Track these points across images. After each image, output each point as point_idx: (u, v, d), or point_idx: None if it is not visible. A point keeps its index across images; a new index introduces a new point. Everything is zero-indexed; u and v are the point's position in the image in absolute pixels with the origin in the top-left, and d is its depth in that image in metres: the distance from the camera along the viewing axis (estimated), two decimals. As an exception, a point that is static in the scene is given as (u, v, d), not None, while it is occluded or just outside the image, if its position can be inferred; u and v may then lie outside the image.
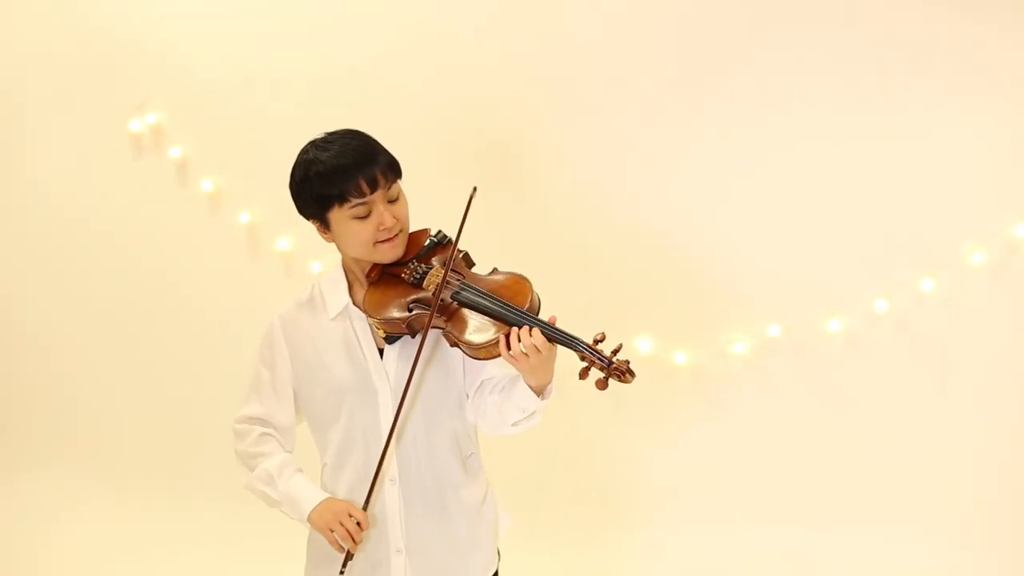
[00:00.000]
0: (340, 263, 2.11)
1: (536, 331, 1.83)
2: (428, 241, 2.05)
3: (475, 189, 2.01)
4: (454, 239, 2.00)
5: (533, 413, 1.97)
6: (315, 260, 3.69)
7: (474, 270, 2.03)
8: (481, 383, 2.05)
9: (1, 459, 3.95)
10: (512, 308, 1.89)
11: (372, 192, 1.95)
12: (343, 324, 2.05)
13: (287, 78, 3.67)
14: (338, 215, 1.97)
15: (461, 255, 2.03)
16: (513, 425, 2.00)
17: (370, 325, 2.02)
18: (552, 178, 3.61)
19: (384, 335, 2.00)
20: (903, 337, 3.46)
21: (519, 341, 1.83)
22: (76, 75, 3.78)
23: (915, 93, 3.39)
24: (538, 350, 1.83)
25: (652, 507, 3.63)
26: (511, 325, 1.88)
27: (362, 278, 2.06)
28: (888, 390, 3.48)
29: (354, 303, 2.06)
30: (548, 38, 3.54)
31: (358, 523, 1.95)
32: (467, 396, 2.08)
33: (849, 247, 3.46)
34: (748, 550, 3.52)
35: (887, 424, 3.49)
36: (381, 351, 2.03)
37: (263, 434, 2.10)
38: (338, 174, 1.94)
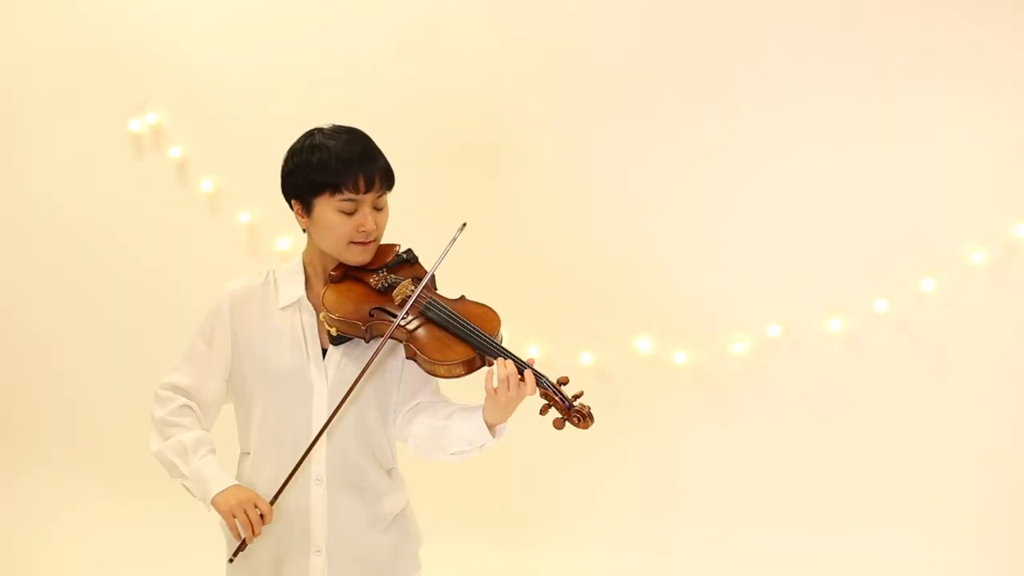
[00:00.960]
0: (301, 255, 2.11)
1: (511, 364, 1.84)
2: (395, 256, 2.06)
3: (464, 225, 2.04)
4: (434, 262, 2.02)
5: (480, 447, 1.96)
6: (315, 260, 3.69)
7: (441, 292, 2.04)
8: (416, 404, 2.04)
9: (1, 459, 3.95)
10: (481, 332, 1.91)
11: (366, 191, 1.96)
12: (292, 316, 2.04)
13: (287, 78, 3.67)
14: (325, 204, 1.97)
15: (427, 275, 2.03)
16: (452, 454, 1.99)
17: (322, 322, 2.01)
18: (552, 178, 3.61)
19: (335, 334, 2.00)
20: (903, 337, 3.46)
21: (506, 372, 1.84)
22: (76, 75, 3.78)
23: (915, 93, 3.40)
24: (526, 388, 1.83)
25: (652, 507, 3.63)
26: (478, 349, 1.89)
27: (322, 275, 2.06)
28: (888, 390, 3.48)
29: (308, 298, 2.06)
30: (546, 40, 3.55)
31: (261, 515, 1.95)
32: (394, 413, 2.07)
33: (849, 247, 3.46)
34: (748, 550, 3.52)
35: (887, 424, 3.49)
36: (324, 350, 2.03)
37: (184, 405, 2.09)
38: (340, 164, 1.95)
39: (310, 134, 2.04)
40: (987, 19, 3.32)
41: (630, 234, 3.58)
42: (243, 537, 1.96)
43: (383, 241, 2.07)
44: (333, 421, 1.97)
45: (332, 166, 1.95)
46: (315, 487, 2.02)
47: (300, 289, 2.06)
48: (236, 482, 2.01)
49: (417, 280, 2.00)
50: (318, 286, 2.05)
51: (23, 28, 3.80)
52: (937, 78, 3.37)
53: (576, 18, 3.55)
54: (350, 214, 1.97)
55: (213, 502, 1.98)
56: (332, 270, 2.03)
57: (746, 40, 3.47)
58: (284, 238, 3.72)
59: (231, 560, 2.01)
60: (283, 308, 2.05)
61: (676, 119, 3.52)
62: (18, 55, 3.81)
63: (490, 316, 1.98)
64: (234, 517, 1.95)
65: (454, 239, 2.01)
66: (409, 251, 2.08)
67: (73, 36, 3.76)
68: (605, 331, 3.59)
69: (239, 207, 3.75)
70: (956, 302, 3.41)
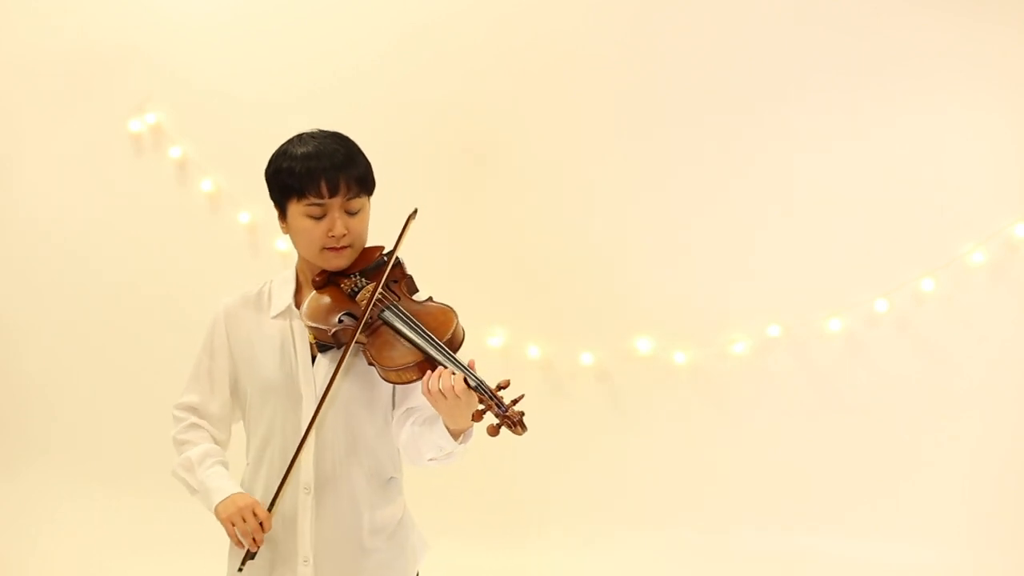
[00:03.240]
0: (295, 264, 2.11)
1: (457, 375, 1.78)
2: (377, 259, 2.03)
3: (415, 211, 2.01)
4: (390, 256, 1.99)
5: (450, 454, 1.93)
6: (315, 260, 3.69)
7: (416, 297, 2.01)
8: (407, 410, 2.02)
9: (0, 458, 3.95)
10: (431, 338, 1.87)
11: (330, 196, 1.94)
12: (283, 324, 2.04)
13: (287, 78, 3.67)
14: (295, 208, 1.98)
15: (404, 279, 2.01)
16: (430, 460, 1.97)
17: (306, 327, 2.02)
18: (552, 178, 3.61)
19: (311, 341, 2.00)
20: (903, 337, 3.46)
21: (438, 379, 1.79)
22: (76, 75, 3.78)
23: (915, 93, 3.40)
24: (456, 394, 1.77)
25: (652, 507, 3.63)
26: (426, 356, 1.86)
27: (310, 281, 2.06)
28: (888, 390, 3.48)
29: (297, 305, 2.05)
30: (546, 40, 3.56)
31: (261, 523, 1.94)
32: (392, 419, 2.06)
33: (849, 247, 3.46)
34: (748, 550, 3.52)
35: (887, 424, 3.49)
36: (315, 357, 2.02)
37: (193, 424, 2.12)
38: (303, 169, 1.94)
39: (290, 140, 2.04)
40: (987, 19, 3.32)
41: (630, 234, 3.58)
42: (246, 546, 1.95)
43: (371, 244, 2.05)
44: (323, 428, 1.97)
45: (296, 170, 1.95)
46: (303, 495, 2.01)
47: (289, 297, 2.06)
48: (240, 490, 2.00)
49: (392, 288, 1.98)
50: (308, 293, 2.05)
51: (23, 28, 3.81)
52: (937, 78, 3.37)
53: (573, 18, 3.55)
54: (318, 219, 1.96)
55: (215, 511, 1.98)
56: (316, 276, 2.03)
57: (745, 41, 3.47)
58: (284, 238, 3.72)
59: (240, 569, 1.99)
60: (274, 317, 2.05)
61: (676, 119, 3.52)
62: (18, 55, 3.82)
63: (445, 317, 1.93)
64: (233, 525, 1.95)
65: (404, 227, 1.98)
66: (390, 253, 2.04)
67: (73, 36, 3.77)
68: (605, 331, 3.59)
69: (239, 207, 3.75)
70: (956, 302, 3.41)
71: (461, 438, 1.90)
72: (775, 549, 3.50)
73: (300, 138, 2.02)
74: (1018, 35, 3.33)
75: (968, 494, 3.46)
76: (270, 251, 3.73)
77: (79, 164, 3.82)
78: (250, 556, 1.97)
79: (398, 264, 2.02)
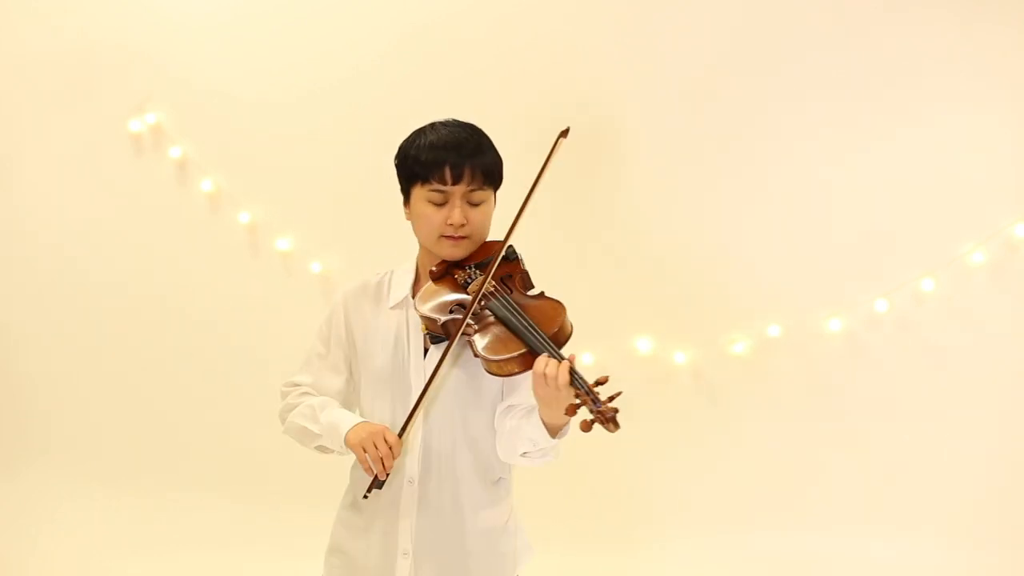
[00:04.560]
0: (416, 255, 2.10)
1: (563, 364, 1.77)
2: (499, 250, 2.01)
3: (567, 129, 2.04)
4: (501, 246, 1.99)
5: (544, 450, 1.93)
6: (315, 260, 3.69)
7: (530, 292, 2.00)
8: (509, 406, 2.01)
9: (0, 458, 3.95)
10: (535, 331, 1.85)
11: (454, 184, 1.95)
12: (399, 314, 2.04)
13: (287, 79, 3.67)
14: (418, 193, 1.98)
15: (519, 273, 2.00)
16: (523, 455, 1.96)
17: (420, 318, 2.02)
18: (551, 178, 3.61)
19: (423, 332, 2.00)
20: (903, 337, 3.46)
21: (545, 364, 1.78)
22: (76, 75, 3.77)
23: (915, 93, 3.40)
24: (558, 384, 1.76)
25: (651, 507, 3.63)
26: (529, 349, 1.84)
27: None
28: (888, 390, 3.48)
29: (414, 296, 2.05)
30: (543, 45, 3.55)
31: (391, 448, 1.91)
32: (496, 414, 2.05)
33: (849, 247, 3.46)
34: (748, 550, 3.52)
35: (887, 424, 3.49)
36: (427, 350, 2.01)
37: (305, 392, 2.10)
38: (431, 154, 1.95)
39: (423, 127, 2.05)
40: (986, 20, 3.33)
41: (630, 234, 3.58)
42: (375, 473, 1.92)
43: (492, 238, 2.04)
44: (429, 419, 1.97)
45: (424, 155, 1.96)
46: (407, 486, 2.00)
47: (407, 287, 2.07)
48: (362, 419, 1.99)
49: (508, 283, 1.97)
50: (426, 283, 2.04)
51: (23, 28, 3.80)
52: (937, 79, 3.37)
53: (573, 18, 3.55)
54: (440, 205, 1.96)
55: (346, 441, 1.95)
56: (434, 266, 2.02)
57: (744, 41, 3.47)
58: (284, 238, 3.72)
59: (366, 496, 1.98)
60: (392, 307, 2.06)
61: (676, 120, 3.53)
62: (18, 55, 3.81)
63: (551, 311, 1.91)
64: (364, 450, 1.91)
65: (553, 147, 2.01)
66: (511, 249, 2.04)
67: (73, 36, 3.76)
68: (605, 331, 3.58)
69: (239, 207, 3.75)
70: (956, 302, 3.41)
71: (557, 434, 1.89)
72: (775, 549, 3.50)
73: (433, 126, 2.03)
74: (1018, 36, 3.33)
75: (968, 494, 3.46)
76: (270, 251, 3.73)
77: (79, 164, 3.82)
78: (377, 484, 1.94)
79: (514, 258, 2.03)
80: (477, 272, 2.00)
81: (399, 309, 2.05)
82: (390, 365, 2.02)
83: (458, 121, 2.05)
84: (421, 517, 2.00)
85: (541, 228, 3.61)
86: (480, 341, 1.89)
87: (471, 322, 1.91)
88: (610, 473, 3.65)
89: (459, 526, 2.01)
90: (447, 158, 1.94)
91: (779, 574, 3.45)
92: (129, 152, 3.79)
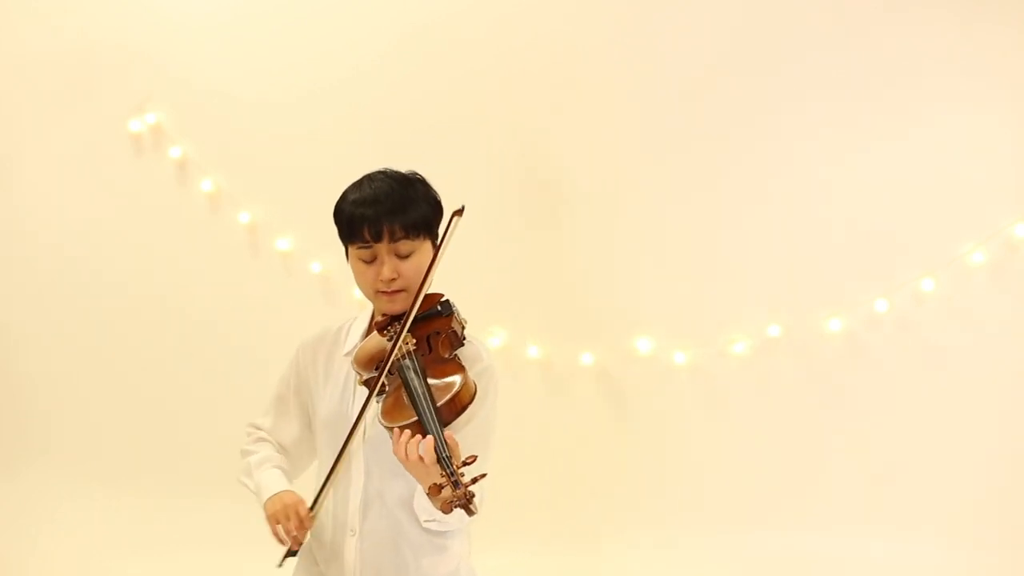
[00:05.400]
0: None
1: (427, 441, 1.72)
2: (431, 308, 1.98)
3: (461, 208, 1.93)
4: (415, 302, 1.92)
5: (446, 522, 1.91)
6: (315, 260, 3.69)
7: (447, 355, 1.94)
8: None
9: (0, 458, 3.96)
10: (427, 402, 1.81)
11: (375, 241, 1.94)
12: (350, 362, 2.04)
13: (288, 79, 3.67)
14: (351, 251, 2.00)
15: (446, 332, 1.95)
16: (426, 522, 1.95)
17: None
18: (551, 178, 3.61)
19: (359, 384, 1.99)
20: (903, 337, 3.46)
21: (405, 444, 1.75)
22: (76, 75, 3.78)
23: (915, 93, 3.40)
24: (420, 460, 1.72)
25: (651, 507, 3.63)
26: (419, 418, 1.79)
27: None
28: (888, 390, 3.48)
29: None
30: (543, 45, 3.56)
31: (302, 521, 1.94)
32: None
33: (849, 247, 3.46)
34: (748, 550, 3.52)
35: (887, 424, 3.49)
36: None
37: (261, 438, 2.14)
38: (353, 214, 1.95)
39: (357, 180, 2.04)
40: (986, 20, 3.32)
41: (630, 234, 3.58)
42: (288, 543, 1.96)
43: (434, 289, 2.00)
44: (371, 470, 1.97)
45: (345, 215, 1.97)
46: (349, 538, 2.00)
47: (359, 336, 2.08)
48: (289, 488, 2.01)
49: (431, 340, 1.94)
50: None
51: (23, 28, 3.81)
52: (937, 79, 3.37)
53: (573, 18, 3.55)
54: (369, 262, 1.96)
55: (264, 508, 1.99)
56: (380, 316, 2.03)
57: (744, 41, 3.47)
58: (284, 238, 3.72)
59: (280, 565, 2.01)
60: (345, 354, 2.07)
61: (675, 121, 3.52)
62: (18, 55, 3.82)
63: (450, 383, 1.85)
64: (277, 522, 1.95)
65: (447, 228, 1.92)
66: (446, 302, 2.00)
67: (73, 36, 3.77)
68: (605, 331, 3.58)
69: (239, 207, 3.75)
70: (956, 302, 3.41)
71: (441, 514, 1.81)
72: (775, 549, 3.50)
73: (361, 182, 2.02)
74: (1018, 36, 3.33)
75: (968, 493, 3.45)
76: (270, 251, 3.73)
77: (79, 164, 3.82)
78: (291, 553, 1.97)
79: (448, 313, 1.97)
80: (398, 329, 1.96)
81: (352, 355, 2.04)
82: (335, 413, 2.03)
83: (389, 174, 2.03)
84: (366, 568, 1.99)
85: (540, 227, 3.62)
86: (383, 403, 1.88)
87: (385, 382, 1.90)
88: (610, 473, 3.65)
89: (403, 574, 2.00)
90: (365, 218, 1.93)
91: (779, 574, 3.45)
92: (129, 152, 3.79)
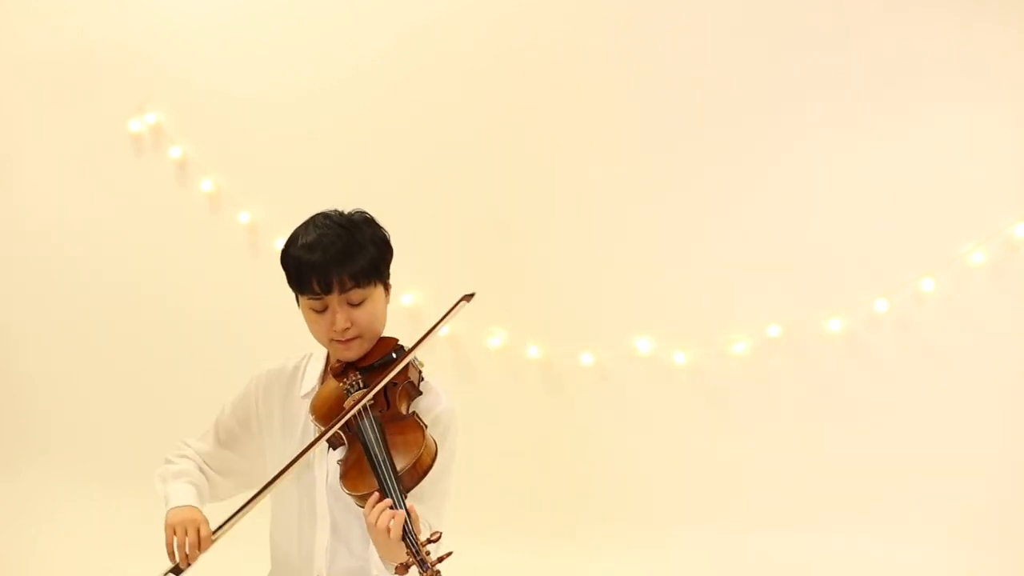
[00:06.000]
0: None
1: (397, 518, 1.70)
2: (386, 354, 1.97)
3: (471, 295, 1.95)
4: (392, 370, 1.90)
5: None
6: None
7: (405, 411, 1.93)
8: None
9: None
10: (388, 468, 1.79)
11: (325, 294, 1.91)
12: (308, 405, 2.01)
13: (287, 79, 3.67)
14: (302, 301, 1.98)
15: (403, 383, 1.94)
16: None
17: None
18: (551, 177, 3.61)
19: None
20: (903, 337, 3.46)
21: (378, 515, 1.73)
22: (76, 75, 3.78)
23: (915, 93, 3.40)
24: (389, 535, 1.70)
25: (651, 507, 3.63)
26: (380, 486, 1.78)
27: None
28: (888, 390, 3.48)
29: None
30: (544, 45, 3.56)
31: (200, 540, 1.88)
32: None
33: (849, 247, 3.46)
34: (747, 550, 3.52)
35: (887, 424, 3.49)
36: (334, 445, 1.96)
37: (187, 456, 2.10)
38: (297, 266, 1.93)
39: (305, 223, 2.00)
40: (986, 20, 3.32)
41: (630, 234, 3.58)
42: (177, 558, 1.89)
43: (387, 333, 2.00)
44: (335, 517, 1.95)
45: (293, 268, 1.94)
46: None
47: (315, 380, 2.04)
48: (197, 506, 1.97)
49: (387, 391, 1.91)
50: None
51: (23, 28, 3.80)
52: (937, 78, 3.37)
53: (573, 18, 3.55)
54: (322, 312, 1.94)
55: (166, 516, 1.94)
56: (334, 362, 2.01)
57: (744, 41, 3.47)
58: (284, 238, 3.70)
59: None
60: (303, 396, 2.04)
61: (675, 122, 3.52)
62: (18, 55, 3.81)
63: (410, 445, 1.84)
64: (174, 533, 1.90)
65: (452, 307, 1.93)
66: (399, 348, 1.98)
67: (73, 36, 3.77)
68: (605, 331, 3.58)
69: (239, 207, 3.75)
70: (956, 302, 3.40)
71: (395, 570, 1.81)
72: (774, 548, 3.50)
73: (306, 226, 1.98)
74: (1018, 36, 3.33)
75: (968, 494, 3.45)
76: (270, 251, 3.73)
77: (79, 164, 3.82)
78: (174, 571, 1.89)
79: (406, 365, 1.94)
80: (360, 379, 1.94)
81: (308, 398, 2.02)
82: (294, 455, 1.95)
83: (333, 219, 1.96)
84: None
85: (541, 227, 3.62)
86: (344, 465, 1.86)
87: (341, 433, 1.88)
88: (610, 473, 3.65)
89: None
90: (313, 268, 1.90)
91: (779, 574, 3.45)
92: (129, 152, 3.79)
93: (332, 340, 1.96)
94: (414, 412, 1.93)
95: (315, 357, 2.09)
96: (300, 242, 1.95)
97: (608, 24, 3.54)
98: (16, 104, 3.84)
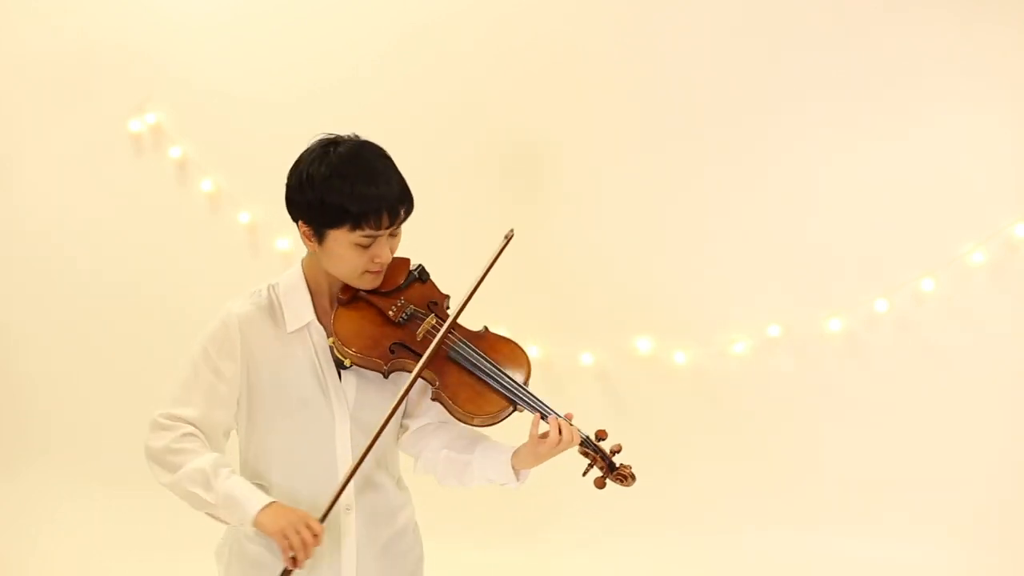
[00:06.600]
0: (300, 268, 1.95)
1: (574, 430, 1.81)
2: (408, 274, 1.92)
3: (511, 232, 1.98)
4: (469, 291, 1.89)
5: (506, 485, 1.92)
6: (315, 260, 3.69)
7: (465, 324, 1.93)
8: (426, 424, 1.97)
9: None
10: (513, 382, 1.84)
11: (389, 227, 1.83)
12: (303, 339, 1.91)
13: (288, 78, 3.67)
14: (340, 235, 1.82)
15: (443, 299, 1.94)
16: (471, 486, 1.95)
17: (331, 346, 1.89)
18: (551, 179, 3.61)
19: (348, 366, 1.88)
20: (903, 337, 3.46)
21: (559, 432, 1.82)
22: (76, 75, 3.77)
23: (915, 93, 3.40)
24: (565, 446, 1.80)
25: (650, 507, 3.63)
26: (513, 402, 1.83)
27: (327, 292, 1.92)
28: (888, 390, 3.48)
29: (318, 319, 1.92)
30: (544, 45, 3.56)
31: (315, 535, 1.79)
32: (401, 427, 2.00)
33: (849, 247, 3.46)
34: (747, 550, 3.52)
35: (887, 424, 3.49)
36: (340, 372, 1.91)
37: (188, 433, 1.88)
38: (365, 198, 1.79)
39: (325, 151, 1.84)
40: (986, 20, 3.32)
41: (630, 234, 3.58)
42: (293, 558, 1.79)
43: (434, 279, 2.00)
44: (357, 447, 1.87)
45: (356, 198, 1.79)
46: (344, 517, 1.91)
47: (308, 312, 1.91)
48: (273, 499, 1.83)
49: (437, 312, 1.89)
50: (323, 302, 1.92)
51: (23, 28, 3.80)
52: (937, 79, 3.37)
53: (573, 18, 3.55)
54: (367, 247, 1.82)
55: (256, 522, 1.80)
56: (341, 293, 1.90)
57: (744, 41, 3.47)
58: (284, 238, 3.72)
59: None
60: (291, 333, 1.91)
61: (675, 122, 3.53)
62: (18, 55, 3.81)
63: (519, 358, 1.88)
64: (286, 538, 1.78)
65: (499, 252, 1.96)
66: (421, 268, 1.95)
67: (73, 36, 3.76)
68: (605, 331, 3.58)
69: (239, 207, 3.75)
70: (956, 302, 3.41)
71: (521, 477, 1.88)
72: (774, 548, 3.50)
73: (339, 153, 1.84)
74: (1018, 36, 3.33)
75: (969, 494, 3.46)
76: (270, 251, 3.73)
77: (79, 164, 3.82)
78: (287, 573, 1.80)
79: (426, 279, 1.95)
80: (410, 306, 1.89)
81: (302, 333, 1.91)
82: (308, 394, 1.89)
83: (358, 146, 1.87)
84: (360, 542, 1.93)
85: (541, 227, 3.61)
86: (449, 391, 1.83)
87: (428, 367, 1.84)
88: (610, 473, 3.64)
89: (387, 537, 1.98)
90: (384, 203, 1.80)
91: (778, 574, 3.45)
92: (129, 152, 3.79)
93: (365, 272, 1.86)
94: (485, 327, 1.94)
95: (283, 288, 1.93)
96: (353, 171, 1.80)
97: (608, 24, 3.54)
98: (16, 104, 3.84)
